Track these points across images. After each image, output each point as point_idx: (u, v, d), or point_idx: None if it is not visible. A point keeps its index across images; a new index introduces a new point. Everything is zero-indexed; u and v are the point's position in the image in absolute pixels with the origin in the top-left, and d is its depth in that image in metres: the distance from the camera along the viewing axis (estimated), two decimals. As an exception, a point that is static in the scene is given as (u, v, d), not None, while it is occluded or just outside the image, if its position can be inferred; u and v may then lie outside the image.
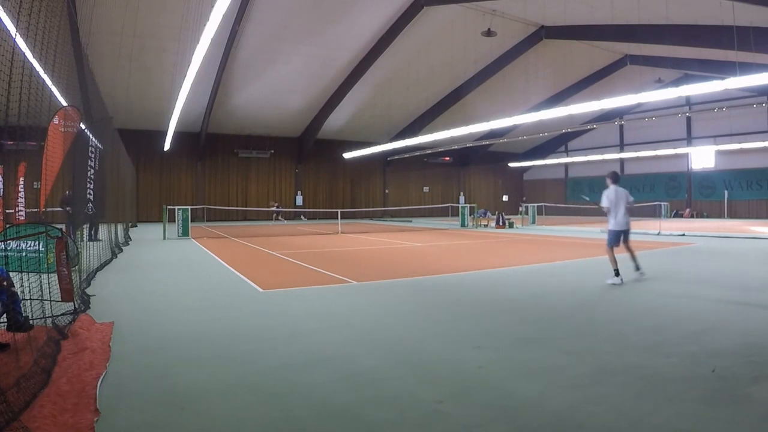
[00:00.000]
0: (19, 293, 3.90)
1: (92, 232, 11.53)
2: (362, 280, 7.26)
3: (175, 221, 15.98)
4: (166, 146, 24.88)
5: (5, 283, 3.76)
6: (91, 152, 7.12)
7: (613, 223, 7.02)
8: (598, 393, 2.97)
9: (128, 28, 16.87)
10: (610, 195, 7.02)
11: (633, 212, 7.45)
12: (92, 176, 7.11)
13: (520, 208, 23.45)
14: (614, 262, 6.83)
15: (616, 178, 7.15)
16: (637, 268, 7.03)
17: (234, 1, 14.91)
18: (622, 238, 7.06)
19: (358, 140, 30.57)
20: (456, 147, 28.96)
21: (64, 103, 6.64)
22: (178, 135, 23.41)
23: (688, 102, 29.17)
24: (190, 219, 16.15)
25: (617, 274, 6.71)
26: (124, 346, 3.93)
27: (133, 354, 3.76)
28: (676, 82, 23.93)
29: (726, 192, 28.99)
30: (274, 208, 27.84)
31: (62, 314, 4.49)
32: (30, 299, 4.11)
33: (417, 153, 29.99)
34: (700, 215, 29.88)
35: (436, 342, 4.12)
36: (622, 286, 6.65)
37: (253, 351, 3.87)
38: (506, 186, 40.74)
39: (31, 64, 3.90)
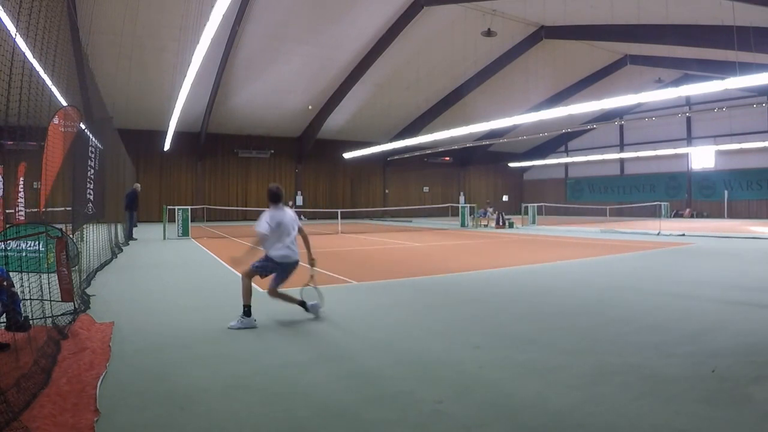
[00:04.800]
0: (19, 293, 3.90)
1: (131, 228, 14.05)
2: (362, 280, 7.25)
3: (175, 221, 15.98)
4: (166, 146, 24.87)
5: (5, 283, 3.75)
6: (91, 152, 7.12)
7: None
8: (598, 393, 2.97)
9: (128, 28, 16.87)
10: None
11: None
12: (92, 176, 7.11)
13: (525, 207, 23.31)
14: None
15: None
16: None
17: (234, 1, 14.91)
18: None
19: (358, 140, 30.57)
20: (456, 147, 28.93)
21: (64, 103, 6.63)
22: (178, 135, 23.41)
23: (688, 102, 29.17)
24: (190, 219, 16.15)
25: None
26: (124, 346, 3.93)
27: (133, 354, 3.76)
28: (676, 82, 23.93)
29: (726, 192, 28.99)
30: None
31: (62, 314, 4.48)
32: (30, 299, 4.11)
33: (417, 153, 29.97)
34: (700, 215, 29.87)
35: (436, 342, 4.12)
36: (622, 286, 6.65)
37: (253, 351, 3.87)
38: (506, 186, 40.74)
39: (31, 64, 3.90)
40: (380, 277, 7.53)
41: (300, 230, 5.08)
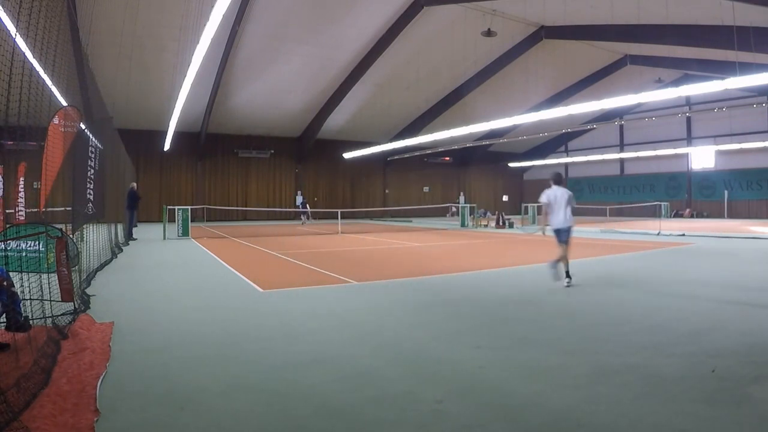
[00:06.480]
0: (19, 293, 3.90)
1: (131, 228, 14.49)
2: (362, 280, 7.25)
3: (175, 221, 15.99)
4: (166, 146, 24.88)
5: (5, 283, 3.75)
6: (91, 152, 7.12)
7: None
8: (598, 393, 2.97)
9: (128, 28, 16.87)
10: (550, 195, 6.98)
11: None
12: (92, 176, 7.10)
13: None
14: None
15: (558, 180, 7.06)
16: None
17: (234, 1, 14.91)
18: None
19: (358, 140, 30.57)
20: (456, 147, 28.95)
21: (64, 103, 6.63)
22: (178, 135, 23.41)
23: (688, 102, 29.17)
24: (190, 219, 16.16)
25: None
26: (124, 346, 3.93)
27: (133, 354, 3.76)
28: (676, 82, 23.94)
29: (726, 192, 28.99)
30: (300, 208, 26.46)
31: (62, 314, 4.49)
32: (30, 299, 4.11)
33: (417, 153, 29.98)
34: (700, 215, 29.87)
35: (436, 342, 4.12)
36: (622, 286, 6.64)
37: (253, 351, 3.87)
38: (506, 186, 40.74)
39: (31, 64, 3.90)
40: (380, 277, 7.53)
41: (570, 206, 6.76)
